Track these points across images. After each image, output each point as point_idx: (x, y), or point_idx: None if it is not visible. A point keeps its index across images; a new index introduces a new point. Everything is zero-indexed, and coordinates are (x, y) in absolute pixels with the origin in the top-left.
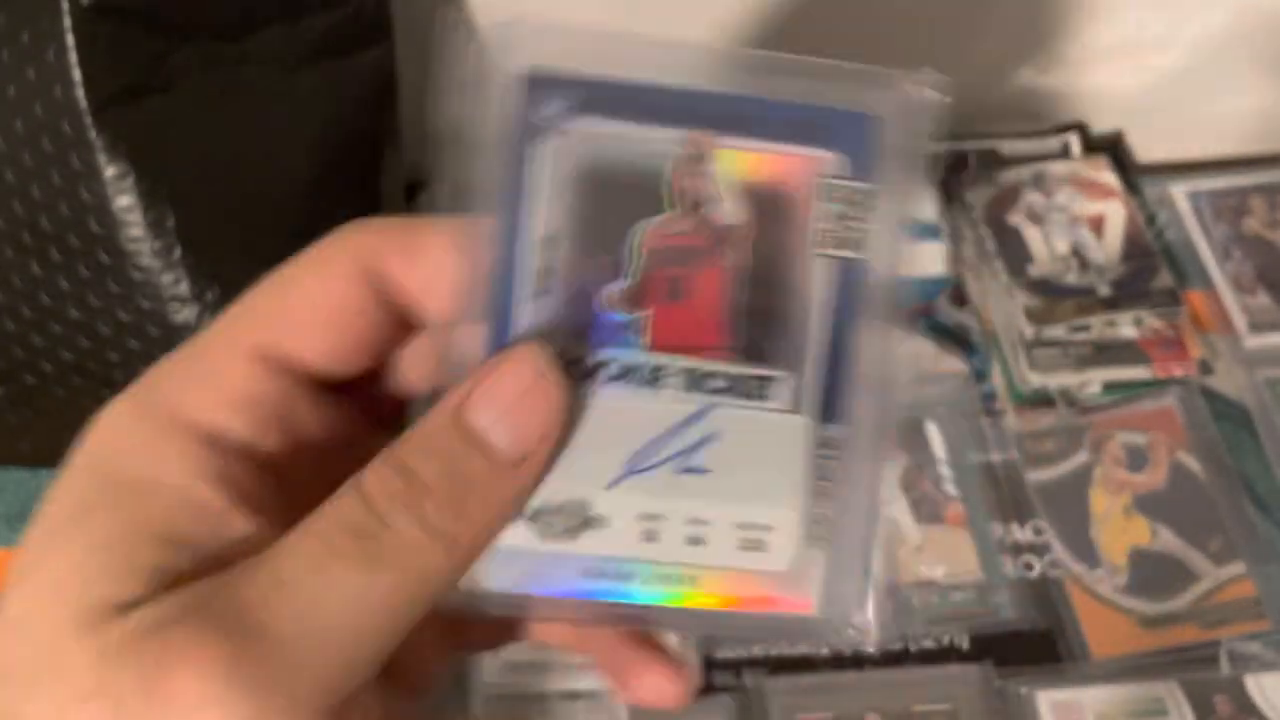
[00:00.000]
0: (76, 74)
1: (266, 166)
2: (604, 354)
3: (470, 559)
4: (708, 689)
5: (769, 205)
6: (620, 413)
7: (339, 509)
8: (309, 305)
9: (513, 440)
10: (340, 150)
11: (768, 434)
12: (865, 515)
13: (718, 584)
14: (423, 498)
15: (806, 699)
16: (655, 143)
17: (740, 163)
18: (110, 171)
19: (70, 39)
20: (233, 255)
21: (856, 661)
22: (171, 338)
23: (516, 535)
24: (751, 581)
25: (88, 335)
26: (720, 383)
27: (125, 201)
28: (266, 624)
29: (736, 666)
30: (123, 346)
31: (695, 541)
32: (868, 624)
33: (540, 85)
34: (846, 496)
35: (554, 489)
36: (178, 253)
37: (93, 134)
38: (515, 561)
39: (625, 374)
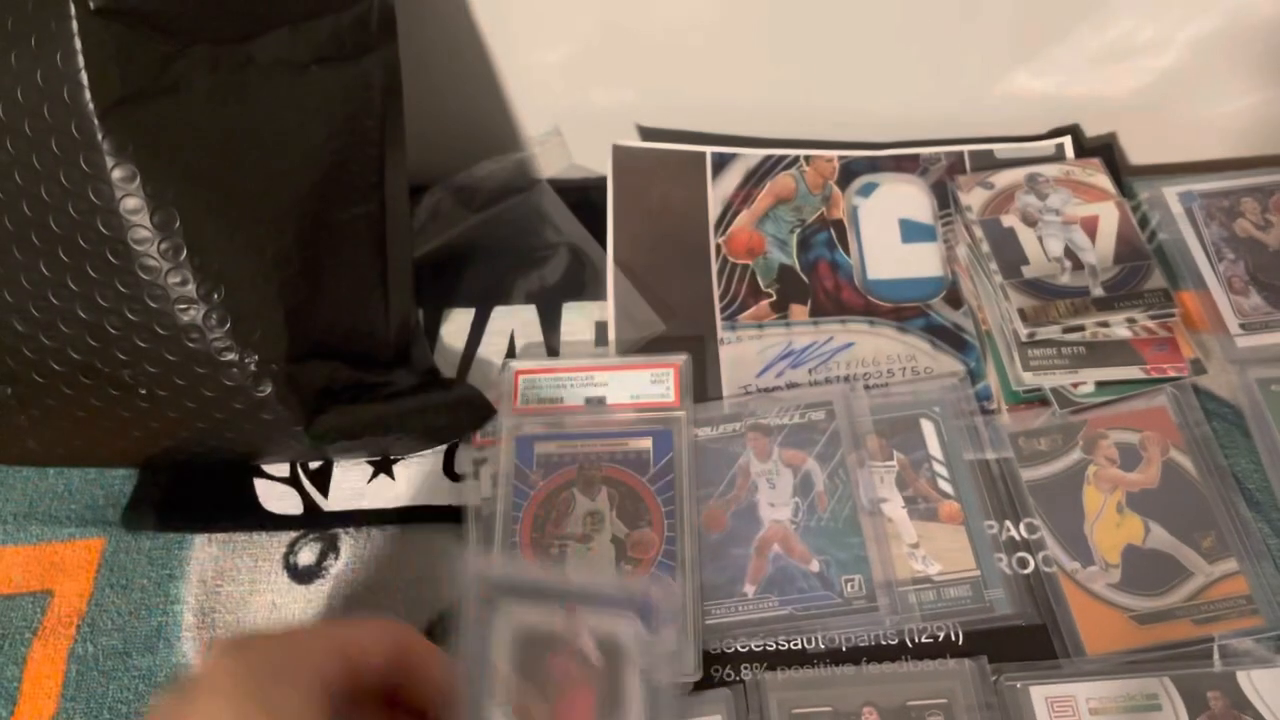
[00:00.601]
0: (84, 77)
1: (272, 169)
2: None
3: None
4: (707, 683)
5: (611, 649)
6: None
7: None
8: (361, 642)
9: None
10: (345, 153)
11: None
12: None
13: None
14: None
15: (804, 693)
16: (550, 612)
17: (594, 621)
18: (118, 174)
19: (78, 43)
20: (238, 256)
21: (853, 656)
22: (178, 337)
23: None
24: None
25: (95, 335)
26: None
27: (132, 203)
28: None
29: (735, 661)
30: (130, 346)
31: None
32: None
33: (490, 587)
34: None
35: None
36: (184, 254)
37: (100, 136)
38: None
39: None
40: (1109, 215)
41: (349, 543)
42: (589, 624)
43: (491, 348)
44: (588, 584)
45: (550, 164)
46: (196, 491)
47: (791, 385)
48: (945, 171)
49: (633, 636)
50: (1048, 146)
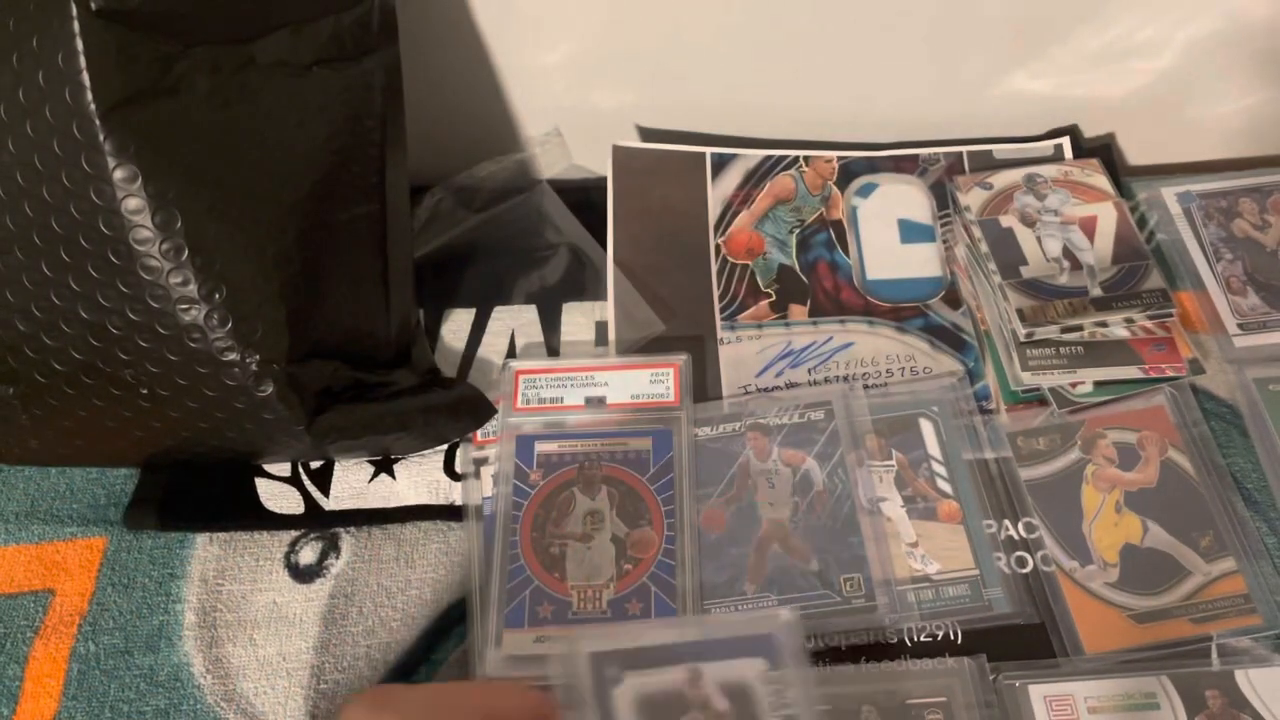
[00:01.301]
0: (85, 78)
1: (273, 169)
2: None
3: None
4: None
5: (740, 695)
6: None
7: None
8: (504, 707)
9: None
10: (346, 153)
11: None
12: None
13: None
14: None
15: None
16: (670, 674)
17: (718, 671)
18: (119, 174)
19: (79, 44)
20: (240, 257)
21: (852, 654)
22: (180, 337)
23: None
24: None
25: (97, 335)
26: None
27: (134, 204)
28: None
29: None
30: (132, 346)
31: None
32: None
33: (600, 660)
34: None
35: None
36: (186, 254)
37: (101, 137)
38: None
39: None
40: (1107, 215)
41: (350, 542)
42: (714, 678)
43: (492, 348)
44: (705, 635)
45: (550, 164)
46: (198, 491)
47: (791, 385)
48: (944, 172)
49: (760, 678)
50: (1046, 147)
